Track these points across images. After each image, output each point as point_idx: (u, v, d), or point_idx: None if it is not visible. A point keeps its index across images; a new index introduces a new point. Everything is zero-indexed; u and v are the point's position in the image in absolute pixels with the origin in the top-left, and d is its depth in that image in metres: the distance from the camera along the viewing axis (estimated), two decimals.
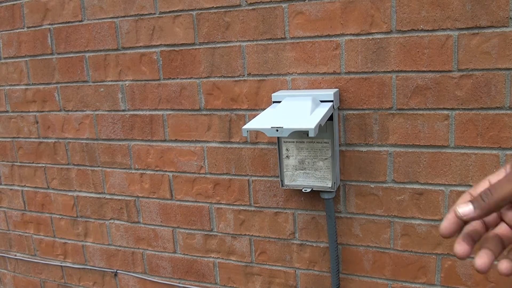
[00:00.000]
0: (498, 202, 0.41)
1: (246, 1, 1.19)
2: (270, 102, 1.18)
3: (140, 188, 1.48)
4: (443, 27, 1.02)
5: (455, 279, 1.13)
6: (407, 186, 1.13)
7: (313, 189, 1.16)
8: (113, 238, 1.59)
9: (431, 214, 1.12)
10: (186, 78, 1.31)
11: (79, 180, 1.59)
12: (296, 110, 1.03)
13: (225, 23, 1.22)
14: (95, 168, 1.54)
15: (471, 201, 0.42)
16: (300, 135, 1.14)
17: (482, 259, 0.41)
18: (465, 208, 0.42)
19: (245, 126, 0.97)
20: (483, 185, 0.46)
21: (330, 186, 1.15)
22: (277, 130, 0.92)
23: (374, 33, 1.08)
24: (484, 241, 0.43)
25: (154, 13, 1.31)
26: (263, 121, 1.01)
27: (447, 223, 0.42)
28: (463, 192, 1.08)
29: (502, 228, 0.44)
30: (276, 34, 1.17)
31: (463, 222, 0.42)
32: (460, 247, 0.42)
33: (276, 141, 1.20)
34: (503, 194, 0.40)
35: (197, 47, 1.27)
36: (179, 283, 1.51)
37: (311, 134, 0.90)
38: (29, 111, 1.61)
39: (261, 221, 1.32)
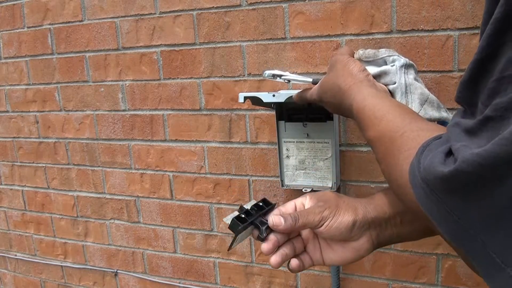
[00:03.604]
0: (301, 226, 0.58)
1: (246, 1, 1.19)
2: None
3: (140, 188, 1.48)
4: (444, 27, 1.02)
5: (456, 279, 1.13)
6: None
7: (314, 189, 1.16)
8: (113, 238, 1.59)
9: None
10: (186, 78, 1.31)
11: (79, 180, 1.59)
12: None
13: (225, 23, 1.22)
14: (95, 168, 1.54)
15: (284, 217, 0.57)
16: (301, 135, 1.14)
17: (276, 257, 0.59)
18: (277, 220, 0.57)
19: (242, 93, 0.97)
20: (290, 206, 0.62)
21: (331, 186, 1.15)
22: (273, 96, 0.92)
23: (374, 33, 1.08)
24: (282, 246, 0.60)
25: (155, 13, 1.31)
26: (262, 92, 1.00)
27: (269, 245, 0.59)
28: None
29: (298, 240, 0.62)
30: (276, 34, 1.17)
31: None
32: (274, 257, 0.59)
33: (276, 141, 1.20)
34: (305, 222, 0.57)
35: (197, 47, 1.27)
36: (179, 283, 1.51)
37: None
38: (29, 111, 1.61)
39: None
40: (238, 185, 1.33)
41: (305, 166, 1.17)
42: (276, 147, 1.21)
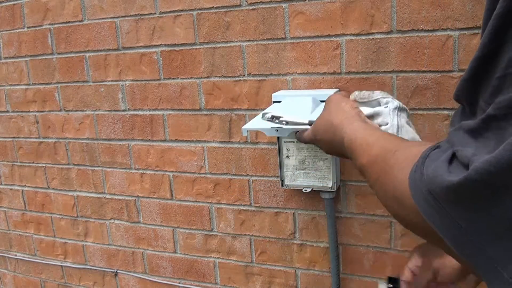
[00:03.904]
0: (424, 285, 0.75)
1: (246, 1, 1.19)
2: (270, 102, 1.18)
3: (140, 188, 1.48)
4: (443, 27, 1.02)
5: None
6: None
7: (313, 189, 1.16)
8: (113, 238, 1.59)
9: None
10: (186, 78, 1.31)
11: (79, 180, 1.59)
12: (296, 110, 1.03)
13: (225, 23, 1.22)
14: (95, 168, 1.54)
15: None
16: None
17: None
18: None
19: (245, 126, 0.97)
20: (407, 274, 0.77)
21: (331, 186, 1.15)
22: (276, 130, 0.92)
23: (375, 33, 1.08)
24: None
25: (155, 13, 1.31)
26: (263, 120, 1.01)
27: None
28: None
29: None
30: (276, 34, 1.17)
31: None
32: None
33: (277, 141, 1.20)
34: (426, 280, 0.76)
35: (197, 47, 1.27)
36: (179, 283, 1.51)
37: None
38: (29, 111, 1.61)
39: (261, 221, 1.32)
40: (238, 185, 1.33)
41: (305, 166, 1.17)
42: (276, 147, 1.21)
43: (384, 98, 0.71)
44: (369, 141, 0.57)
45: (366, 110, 0.71)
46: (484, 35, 0.35)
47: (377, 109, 0.70)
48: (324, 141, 0.72)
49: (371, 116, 0.70)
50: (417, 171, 0.40)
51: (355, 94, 0.74)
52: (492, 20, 0.34)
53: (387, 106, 0.70)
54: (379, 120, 0.70)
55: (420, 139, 0.70)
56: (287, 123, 0.89)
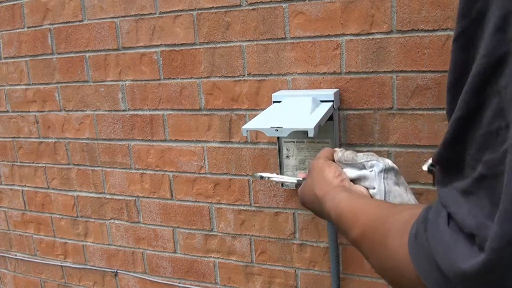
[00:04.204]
0: None
1: (246, 1, 1.19)
2: (270, 102, 1.18)
3: (140, 188, 1.48)
4: (443, 27, 1.02)
5: None
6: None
7: None
8: (113, 238, 1.59)
9: None
10: (186, 78, 1.31)
11: (79, 180, 1.59)
12: (296, 110, 1.03)
13: (225, 23, 1.22)
14: (95, 168, 1.54)
15: None
16: (300, 135, 1.14)
17: None
18: None
19: (244, 126, 0.97)
20: None
21: None
22: (276, 130, 0.92)
23: (374, 33, 1.08)
24: None
25: (155, 13, 1.31)
26: (263, 121, 1.01)
27: None
28: None
29: None
30: (276, 34, 1.17)
31: None
32: None
33: (276, 141, 1.20)
34: None
35: (197, 47, 1.27)
36: (179, 283, 1.51)
37: (310, 134, 0.90)
38: (29, 111, 1.61)
39: (261, 221, 1.32)
40: (238, 185, 1.33)
41: (305, 166, 1.17)
42: (276, 147, 1.21)
43: (369, 161, 0.67)
44: (356, 212, 0.54)
45: (352, 173, 0.68)
46: (464, 95, 0.35)
47: (362, 172, 0.67)
48: (314, 212, 0.70)
49: (358, 179, 0.67)
50: (419, 237, 0.38)
51: (339, 155, 0.70)
52: (472, 77, 0.34)
53: (372, 170, 0.67)
54: (366, 183, 0.67)
55: (412, 199, 0.67)
56: (280, 183, 0.87)
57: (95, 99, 1.47)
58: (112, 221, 1.57)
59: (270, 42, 1.18)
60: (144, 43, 1.34)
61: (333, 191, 0.63)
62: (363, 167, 0.68)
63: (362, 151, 0.71)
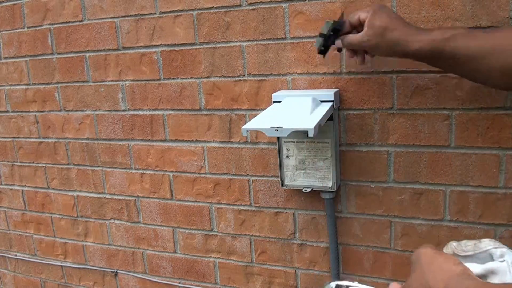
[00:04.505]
0: None
1: (246, 1, 1.19)
2: (270, 102, 1.18)
3: (141, 188, 1.48)
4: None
5: None
6: (408, 186, 1.13)
7: (314, 189, 1.16)
8: (114, 238, 1.59)
9: (432, 214, 1.12)
10: (186, 78, 1.31)
11: (79, 180, 1.59)
12: (296, 110, 1.03)
13: (225, 23, 1.22)
14: (95, 168, 1.54)
15: None
16: (300, 135, 1.14)
17: None
18: None
19: (244, 126, 0.97)
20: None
21: (331, 186, 1.15)
22: (276, 130, 0.92)
23: None
24: None
25: (155, 13, 1.31)
26: (263, 121, 1.01)
27: None
28: (463, 192, 1.08)
29: None
30: (276, 34, 1.17)
31: None
32: None
33: (276, 141, 1.20)
34: None
35: (197, 47, 1.27)
36: (179, 283, 1.51)
37: (310, 134, 0.90)
38: (29, 111, 1.61)
39: (261, 221, 1.33)
40: (238, 185, 1.33)
41: (305, 166, 1.17)
42: (276, 147, 1.21)
43: (497, 248, 0.54)
44: None
45: (474, 268, 0.54)
46: None
47: (489, 265, 0.54)
48: None
49: (483, 276, 0.54)
50: None
51: (453, 246, 0.57)
52: None
53: (504, 260, 0.53)
54: (495, 280, 0.53)
55: None
56: None
57: (95, 99, 1.47)
58: (112, 221, 1.57)
59: (270, 42, 1.18)
60: (144, 43, 1.34)
61: (456, 278, 0.50)
62: (489, 257, 0.56)
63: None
